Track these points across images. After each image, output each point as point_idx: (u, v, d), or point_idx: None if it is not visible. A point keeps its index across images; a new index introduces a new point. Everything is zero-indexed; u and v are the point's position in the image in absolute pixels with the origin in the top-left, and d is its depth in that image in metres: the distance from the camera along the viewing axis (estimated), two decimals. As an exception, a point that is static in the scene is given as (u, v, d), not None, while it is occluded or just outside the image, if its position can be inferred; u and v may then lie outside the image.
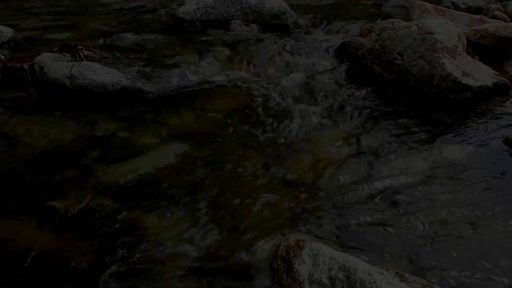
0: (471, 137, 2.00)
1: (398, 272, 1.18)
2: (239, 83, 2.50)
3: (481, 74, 2.48)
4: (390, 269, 1.20)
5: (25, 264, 1.28)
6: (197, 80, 2.48)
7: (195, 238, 1.38)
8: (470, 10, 3.90)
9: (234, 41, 2.92)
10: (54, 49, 2.56)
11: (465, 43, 2.64)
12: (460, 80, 2.32)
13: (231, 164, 1.78)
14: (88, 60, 2.48)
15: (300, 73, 2.68)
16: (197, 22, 3.29)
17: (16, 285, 1.22)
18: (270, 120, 2.13)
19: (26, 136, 1.94)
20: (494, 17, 3.59)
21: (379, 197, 1.59)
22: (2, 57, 2.49)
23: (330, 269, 1.11)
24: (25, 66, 2.42)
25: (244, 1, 3.30)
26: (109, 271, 1.25)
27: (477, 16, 3.41)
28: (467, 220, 1.47)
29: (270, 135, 2.01)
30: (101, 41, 2.92)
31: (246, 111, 2.20)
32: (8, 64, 2.43)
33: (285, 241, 1.26)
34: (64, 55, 2.52)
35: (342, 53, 2.85)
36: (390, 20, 3.28)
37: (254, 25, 3.26)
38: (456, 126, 2.12)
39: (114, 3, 4.20)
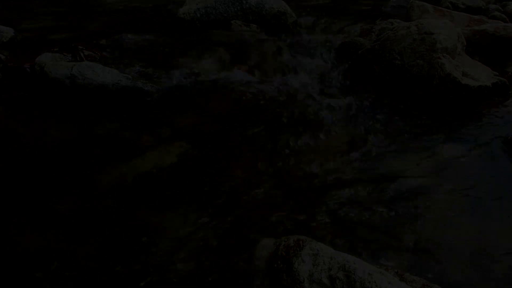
0: (470, 137, 2.00)
1: (397, 272, 1.19)
2: (240, 83, 2.50)
3: (481, 74, 2.48)
4: (390, 268, 1.21)
5: (25, 265, 1.28)
6: (198, 80, 2.48)
7: (195, 238, 1.39)
8: (469, 10, 3.90)
9: (234, 41, 2.93)
10: (55, 49, 2.56)
11: (465, 43, 2.64)
12: (459, 80, 2.32)
13: (231, 163, 1.78)
14: (88, 60, 2.48)
15: (300, 73, 2.68)
16: (197, 22, 3.29)
17: (16, 286, 1.23)
18: (270, 120, 2.13)
19: (26, 136, 1.94)
20: (493, 17, 3.59)
21: (380, 196, 1.60)
22: (3, 57, 2.50)
23: (330, 269, 1.12)
24: (26, 66, 2.42)
25: (244, 2, 3.29)
26: (110, 271, 1.25)
27: (477, 17, 3.41)
28: (466, 219, 1.48)
29: (271, 134, 2.01)
30: (101, 41, 2.92)
31: (247, 111, 2.21)
32: (8, 64, 2.43)
33: (285, 241, 1.26)
34: (65, 55, 2.52)
35: (342, 53, 2.85)
36: (389, 20, 3.28)
37: (254, 26, 3.26)
38: (455, 126, 2.12)
39: (115, 3, 4.20)
